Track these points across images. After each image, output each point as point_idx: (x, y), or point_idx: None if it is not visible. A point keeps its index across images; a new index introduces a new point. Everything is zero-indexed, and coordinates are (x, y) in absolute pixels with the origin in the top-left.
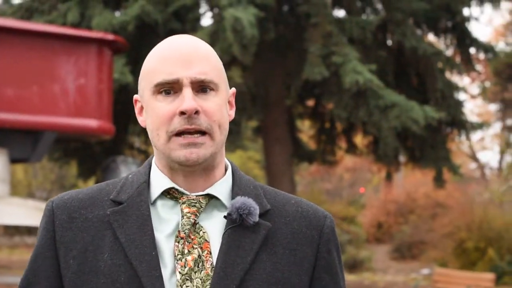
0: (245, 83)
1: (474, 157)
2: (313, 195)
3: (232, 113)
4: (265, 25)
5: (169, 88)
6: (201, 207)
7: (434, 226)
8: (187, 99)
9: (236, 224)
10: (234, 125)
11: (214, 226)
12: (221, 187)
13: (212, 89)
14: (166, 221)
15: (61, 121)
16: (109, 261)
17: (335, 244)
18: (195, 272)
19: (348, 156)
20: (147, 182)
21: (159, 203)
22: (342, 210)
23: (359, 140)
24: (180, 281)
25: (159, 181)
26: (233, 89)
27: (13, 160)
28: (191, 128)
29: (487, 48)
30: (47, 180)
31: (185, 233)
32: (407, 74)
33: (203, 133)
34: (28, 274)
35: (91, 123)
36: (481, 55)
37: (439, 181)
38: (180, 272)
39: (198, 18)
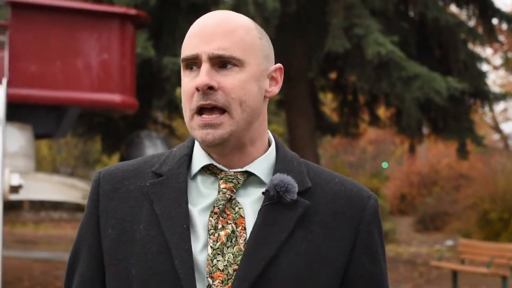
0: None
1: (497, 128)
2: (336, 168)
3: (274, 89)
4: None
5: (192, 63)
6: (238, 183)
7: (457, 197)
8: (201, 75)
9: (273, 201)
10: None
11: (251, 203)
12: (261, 164)
13: (235, 65)
14: (204, 195)
15: (85, 96)
16: (143, 232)
17: (378, 226)
18: (227, 247)
19: (371, 128)
20: (189, 156)
21: (199, 177)
22: (366, 183)
23: (382, 112)
24: (211, 255)
25: (199, 157)
26: (278, 65)
27: (38, 136)
28: (206, 104)
29: (509, 19)
30: (71, 155)
31: (219, 208)
32: (429, 46)
33: (222, 111)
34: (75, 241)
35: (115, 98)
36: (504, 26)
37: (462, 152)
38: (211, 247)
39: None
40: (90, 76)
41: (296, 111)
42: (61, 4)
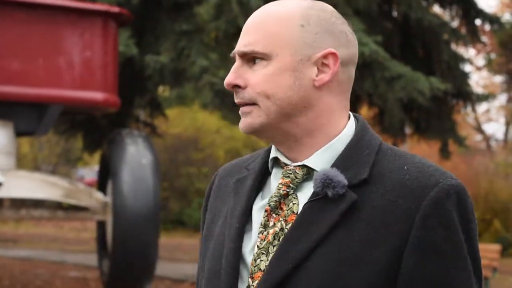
0: None
1: (479, 129)
2: None
3: (324, 76)
4: None
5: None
6: (296, 177)
7: None
8: (229, 74)
9: (319, 197)
10: None
11: (306, 198)
12: (321, 157)
13: (262, 59)
14: (272, 191)
15: (67, 94)
16: (218, 229)
17: (443, 220)
18: (273, 246)
19: None
20: (269, 150)
21: (274, 171)
22: None
23: (365, 111)
24: (256, 255)
25: (273, 150)
26: (327, 50)
27: (19, 133)
28: (237, 102)
29: (492, 20)
30: (53, 153)
31: (270, 205)
32: (412, 46)
33: (253, 103)
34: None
35: (97, 95)
36: (487, 27)
37: (444, 152)
38: (258, 246)
39: None
40: (72, 73)
41: None
42: (43, 1)
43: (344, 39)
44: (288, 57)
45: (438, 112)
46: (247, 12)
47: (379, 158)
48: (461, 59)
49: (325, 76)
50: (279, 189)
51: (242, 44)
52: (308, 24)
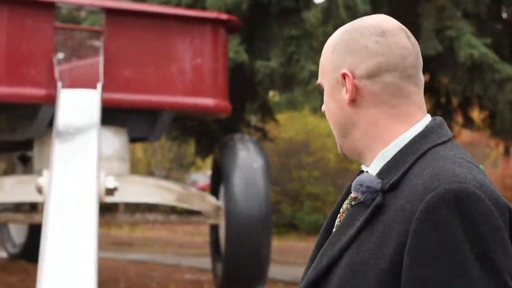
0: None
1: None
2: None
3: (347, 96)
4: (377, 1)
5: None
6: None
7: None
8: None
9: (356, 202)
10: None
11: None
12: (376, 164)
13: (323, 89)
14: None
15: (178, 100)
16: None
17: (433, 225)
18: None
19: (465, 131)
20: None
21: None
22: None
23: (476, 114)
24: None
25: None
26: (342, 71)
27: (132, 139)
28: None
29: None
30: (166, 158)
31: (343, 208)
32: None
33: None
34: None
35: (208, 101)
36: None
37: None
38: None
39: None
40: (184, 80)
41: None
42: (155, 10)
43: (364, 52)
44: (328, 83)
45: None
46: (355, 16)
47: (418, 163)
48: None
49: (347, 95)
50: (351, 193)
51: None
52: (335, 49)
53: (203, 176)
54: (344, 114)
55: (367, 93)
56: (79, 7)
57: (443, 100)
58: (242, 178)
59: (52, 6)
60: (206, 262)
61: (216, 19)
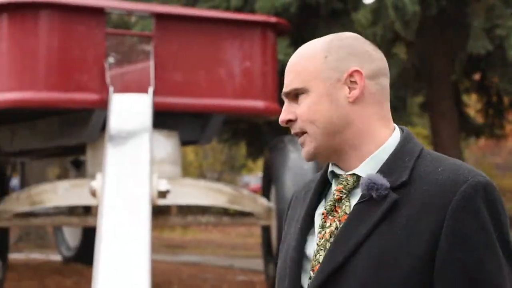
0: (409, 59)
1: None
2: (484, 170)
3: (355, 92)
4: (427, 1)
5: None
6: (347, 184)
7: None
8: (281, 114)
9: (365, 199)
10: (399, 101)
11: (356, 201)
12: (367, 165)
13: (302, 93)
14: (330, 198)
15: (228, 103)
16: (290, 235)
17: (473, 212)
18: (329, 243)
19: None
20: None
21: (333, 181)
22: None
23: None
24: (315, 251)
25: (331, 165)
26: (352, 69)
27: (183, 143)
28: (294, 133)
29: None
30: (218, 161)
31: (326, 208)
32: None
33: (303, 133)
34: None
35: (258, 104)
36: None
37: None
38: (317, 244)
39: None
40: (233, 83)
41: (439, 113)
42: (204, 14)
43: (366, 56)
44: (321, 85)
45: None
46: (403, 17)
47: (419, 162)
48: None
49: (355, 91)
50: (333, 195)
51: (284, 86)
52: (330, 54)
53: (254, 178)
54: (340, 113)
55: (368, 92)
56: (130, 13)
57: (494, 99)
58: (292, 179)
59: (103, 12)
60: (258, 263)
61: (265, 22)
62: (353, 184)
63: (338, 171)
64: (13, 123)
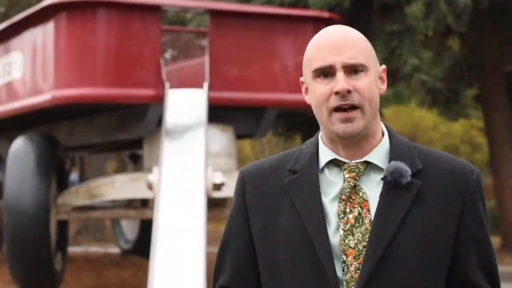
0: (462, 52)
1: None
2: None
3: (383, 87)
4: None
5: (326, 72)
6: (360, 171)
7: None
8: (340, 81)
9: (391, 185)
10: (453, 93)
11: (372, 187)
12: (378, 153)
13: (362, 70)
14: (332, 185)
15: (282, 97)
16: (287, 223)
17: (481, 196)
18: (355, 228)
19: None
20: (316, 153)
21: (326, 170)
22: None
23: None
24: (343, 236)
25: (325, 153)
26: (383, 66)
27: (239, 136)
28: (344, 104)
29: None
30: (274, 154)
31: (345, 195)
32: None
33: (355, 107)
34: (226, 233)
35: None
36: None
37: None
38: (343, 229)
39: None
40: (286, 78)
41: (492, 105)
42: (257, 10)
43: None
44: (374, 69)
45: None
46: (455, 10)
47: (417, 153)
48: None
49: (383, 87)
50: (348, 182)
51: (346, 57)
52: (370, 46)
53: None
54: (378, 101)
55: (383, 92)
56: (185, 10)
57: None
58: None
59: (158, 9)
60: None
61: (317, 17)
62: (363, 171)
63: (342, 159)
64: (72, 119)
